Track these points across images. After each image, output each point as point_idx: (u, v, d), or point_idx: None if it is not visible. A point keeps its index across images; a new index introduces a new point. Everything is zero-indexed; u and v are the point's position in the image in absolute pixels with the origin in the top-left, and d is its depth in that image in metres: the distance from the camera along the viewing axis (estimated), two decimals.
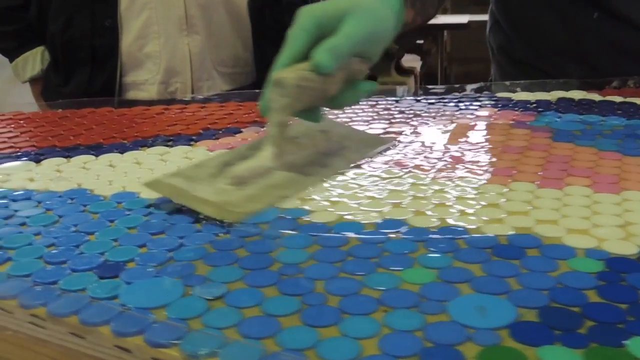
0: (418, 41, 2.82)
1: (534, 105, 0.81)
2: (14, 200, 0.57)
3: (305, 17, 0.58)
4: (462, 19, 2.69)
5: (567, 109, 0.79)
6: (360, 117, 0.77)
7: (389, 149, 0.66)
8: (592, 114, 0.76)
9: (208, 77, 1.21)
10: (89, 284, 0.42)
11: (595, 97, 0.83)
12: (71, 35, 1.16)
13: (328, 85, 0.58)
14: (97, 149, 0.69)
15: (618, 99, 0.82)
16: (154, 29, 1.17)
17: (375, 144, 0.67)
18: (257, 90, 0.92)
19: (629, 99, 0.82)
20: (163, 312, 0.39)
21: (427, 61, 2.91)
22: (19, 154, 0.69)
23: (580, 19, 0.93)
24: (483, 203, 0.52)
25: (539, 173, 0.58)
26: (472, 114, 0.78)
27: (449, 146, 0.66)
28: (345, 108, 0.81)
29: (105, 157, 0.67)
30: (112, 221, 0.52)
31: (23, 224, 0.52)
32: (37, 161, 0.67)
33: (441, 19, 2.81)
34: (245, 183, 0.55)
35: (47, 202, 0.56)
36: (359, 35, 0.57)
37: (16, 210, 0.54)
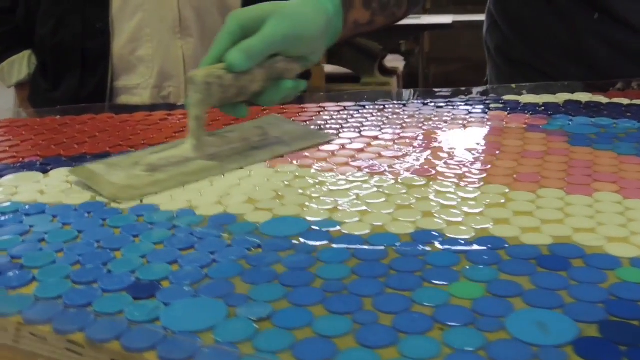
0: (401, 42, 2.82)
1: (542, 108, 0.80)
2: (28, 215, 0.54)
3: (230, 20, 0.62)
4: (446, 19, 2.70)
5: (576, 111, 0.78)
6: (371, 122, 0.76)
7: (326, 143, 0.69)
8: (602, 116, 0.76)
9: None
10: (124, 305, 0.40)
11: (602, 99, 0.83)
12: (61, 38, 1.13)
13: (246, 82, 0.62)
14: (105, 158, 0.67)
15: (625, 101, 0.82)
16: (147, 32, 1.14)
17: (312, 138, 0.70)
18: None
19: (635, 101, 0.82)
20: (210, 335, 0.37)
21: (410, 62, 2.91)
22: (24, 164, 0.66)
23: (580, 19, 0.93)
24: (514, 211, 0.51)
25: (565, 179, 0.57)
26: (483, 117, 0.77)
27: (467, 151, 0.65)
28: (353, 113, 0.80)
29: None
30: (135, 236, 0.50)
31: (42, 240, 0.50)
32: (44, 172, 0.64)
33: (424, 19, 2.82)
34: (158, 170, 0.59)
35: (63, 216, 0.53)
36: (275, 36, 0.62)
37: (32, 226, 0.52)
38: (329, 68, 2.46)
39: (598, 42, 0.93)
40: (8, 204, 0.56)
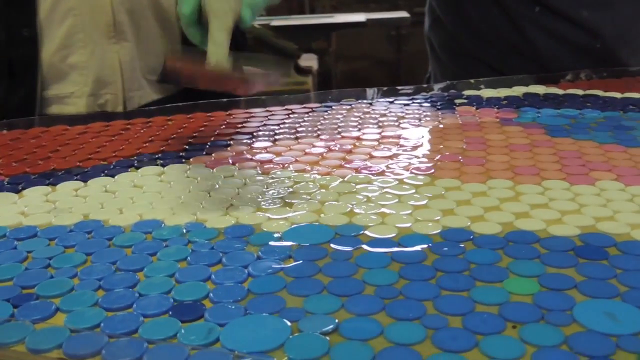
0: (313, 41, 2.83)
1: (506, 101, 0.82)
2: (19, 239, 0.49)
3: None
4: (359, 17, 2.73)
5: (539, 104, 0.80)
6: (346, 122, 0.75)
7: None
8: (565, 107, 0.78)
9: (139, 87, 1.13)
10: (174, 330, 0.37)
11: (557, 91, 0.86)
12: None
13: None
14: (81, 174, 0.62)
15: (579, 91, 0.85)
16: (80, 37, 1.08)
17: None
18: (215, 100, 0.88)
19: (589, 91, 0.85)
20: (281, 353, 0.35)
21: (324, 60, 2.92)
22: None
23: (522, 12, 0.95)
24: (530, 204, 0.52)
25: (563, 170, 0.59)
26: (454, 113, 0.78)
27: (457, 147, 0.65)
28: (324, 114, 0.79)
29: (96, 182, 0.60)
30: (152, 255, 0.46)
31: (48, 267, 0.45)
32: (16, 192, 0.59)
33: (337, 18, 2.83)
34: None
35: (62, 239, 0.49)
36: None
37: (29, 251, 0.48)
38: (245, 69, 2.42)
39: (540, 35, 0.96)
40: None
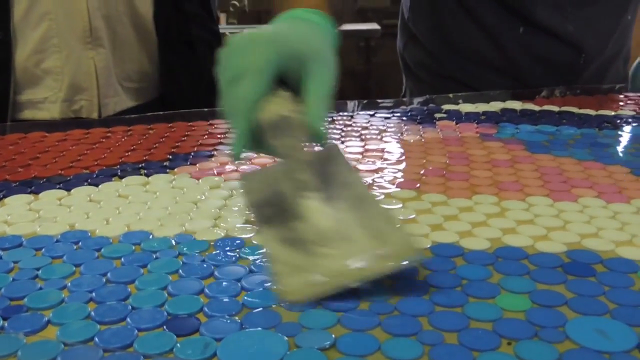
0: None
1: (484, 117, 0.84)
2: (4, 249, 0.48)
3: (268, 48, 0.50)
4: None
5: (516, 119, 0.82)
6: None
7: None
8: (542, 124, 0.80)
9: (114, 94, 1.12)
10: (170, 344, 0.37)
11: (533, 107, 0.88)
12: None
13: None
14: (63, 182, 0.61)
15: (555, 108, 0.87)
16: (55, 42, 1.06)
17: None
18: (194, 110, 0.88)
19: (564, 108, 0.87)
20: None
21: None
22: None
23: (506, 34, 0.96)
24: (516, 220, 0.53)
25: (545, 186, 0.60)
26: (434, 127, 0.79)
27: (440, 162, 0.66)
28: None
29: (80, 191, 0.59)
30: (143, 267, 0.46)
31: (35, 277, 0.45)
32: None
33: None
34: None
35: (49, 249, 0.48)
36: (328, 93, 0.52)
37: (16, 261, 0.47)
38: None
39: (522, 55, 0.97)
40: None
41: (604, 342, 0.37)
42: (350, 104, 0.88)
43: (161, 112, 0.87)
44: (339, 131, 0.77)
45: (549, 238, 0.50)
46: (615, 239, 0.50)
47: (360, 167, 0.65)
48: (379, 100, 0.88)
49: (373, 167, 0.65)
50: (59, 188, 0.60)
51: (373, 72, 3.17)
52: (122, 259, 0.47)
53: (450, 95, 0.91)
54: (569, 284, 0.43)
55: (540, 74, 0.97)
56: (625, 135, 0.76)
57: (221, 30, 2.64)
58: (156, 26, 1.16)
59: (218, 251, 0.48)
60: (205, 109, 0.86)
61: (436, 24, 1.02)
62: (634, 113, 0.84)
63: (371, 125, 0.80)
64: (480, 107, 0.87)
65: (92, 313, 0.40)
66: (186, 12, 1.20)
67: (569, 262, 0.46)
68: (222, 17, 2.78)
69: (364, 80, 3.15)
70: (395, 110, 0.86)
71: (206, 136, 0.76)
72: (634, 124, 0.79)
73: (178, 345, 0.37)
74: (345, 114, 0.84)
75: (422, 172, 0.64)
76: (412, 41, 1.07)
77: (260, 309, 0.41)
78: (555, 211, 0.55)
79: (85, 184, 0.61)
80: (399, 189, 0.59)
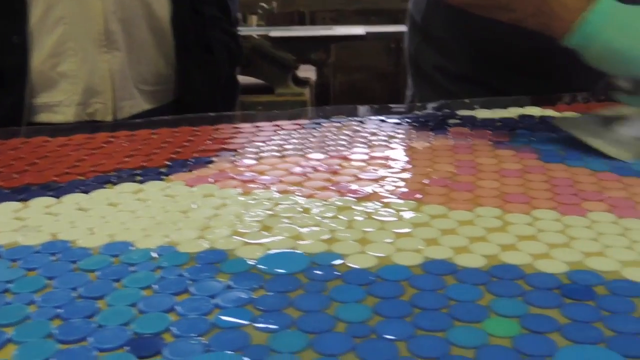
0: (312, 53, 2.81)
1: (500, 123, 0.80)
2: None
3: None
4: (358, 30, 2.71)
5: (534, 126, 0.78)
6: (334, 141, 0.73)
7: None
8: (559, 131, 0.76)
9: (130, 97, 1.12)
10: None
11: (553, 113, 0.84)
12: None
13: None
14: (55, 189, 0.60)
15: (576, 115, 0.83)
16: (70, 46, 1.06)
17: None
18: (204, 114, 0.86)
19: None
20: None
21: (322, 72, 2.91)
22: None
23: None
24: (517, 235, 0.50)
25: (554, 199, 0.56)
26: (446, 134, 0.76)
27: (446, 171, 0.63)
28: (312, 131, 0.77)
29: (70, 199, 0.58)
30: (117, 281, 0.44)
31: (6, 291, 0.43)
32: None
33: (336, 30, 2.82)
34: None
35: (26, 260, 0.47)
36: None
37: None
38: (242, 79, 2.41)
39: (557, 52, 0.92)
40: None
41: None
42: (362, 109, 0.86)
43: (167, 117, 0.86)
44: (346, 137, 0.75)
45: (550, 256, 0.47)
46: (622, 258, 0.46)
47: (363, 175, 0.63)
48: (392, 105, 0.86)
49: (376, 175, 0.63)
50: (49, 195, 0.59)
51: (403, 74, 3.14)
52: (98, 272, 0.45)
53: (467, 100, 0.87)
54: (564, 308, 0.40)
55: (573, 74, 0.91)
56: None
57: (249, 32, 2.65)
58: (173, 29, 1.15)
59: (198, 264, 0.46)
60: (212, 114, 0.85)
61: (460, 22, 0.96)
62: None
63: (381, 131, 0.77)
64: (497, 114, 0.84)
65: (55, 331, 0.38)
66: (204, 14, 1.19)
67: (568, 284, 0.43)
68: (253, 19, 2.77)
69: (393, 82, 3.11)
70: (407, 115, 0.83)
71: (209, 141, 0.74)
72: None
73: None
74: (355, 119, 0.82)
75: (425, 181, 0.61)
76: (426, 42, 1.03)
77: (230, 329, 0.38)
78: (561, 226, 0.51)
79: (77, 190, 0.60)
80: (399, 200, 0.57)
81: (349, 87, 3.58)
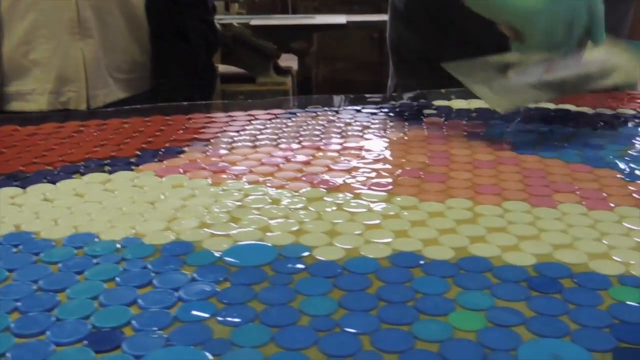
0: (293, 42, 2.79)
1: (475, 114, 0.80)
2: None
3: None
4: (340, 19, 2.69)
5: (508, 118, 0.78)
6: (308, 131, 0.72)
7: None
8: (534, 122, 0.76)
9: (104, 85, 1.10)
10: None
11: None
12: None
13: None
14: (21, 179, 0.59)
15: (551, 105, 0.83)
16: (42, 33, 1.04)
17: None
18: (177, 103, 0.85)
19: (560, 106, 0.83)
20: None
21: (304, 61, 2.89)
22: None
23: None
24: (487, 227, 0.49)
25: (525, 190, 0.56)
26: (421, 125, 0.75)
27: (419, 162, 0.63)
28: (287, 121, 0.76)
29: (36, 189, 0.57)
30: (79, 273, 0.43)
31: None
32: None
33: (318, 19, 2.80)
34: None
35: None
36: None
37: None
38: (223, 68, 2.40)
39: None
40: None
41: None
42: (337, 99, 0.85)
43: (139, 106, 0.85)
44: (320, 127, 0.74)
45: (519, 248, 0.46)
46: (591, 251, 0.46)
47: (334, 166, 0.62)
48: (367, 95, 0.85)
49: (348, 166, 0.62)
50: (15, 186, 0.58)
51: (386, 63, 3.13)
52: (60, 265, 0.44)
53: (443, 90, 0.87)
54: (531, 301, 0.40)
55: None
56: (621, 136, 0.71)
57: (230, 21, 2.62)
58: (148, 16, 1.14)
59: (163, 256, 0.45)
60: (185, 103, 0.83)
61: (439, 5, 0.96)
62: (634, 112, 0.80)
63: (355, 121, 0.76)
64: (473, 104, 0.83)
65: (12, 325, 0.38)
66: (179, 1, 1.17)
67: (536, 276, 0.43)
68: (234, 7, 2.75)
69: (377, 72, 3.11)
70: (383, 105, 0.83)
71: (181, 131, 0.73)
72: (631, 124, 0.75)
73: None
74: (331, 109, 0.81)
75: (398, 172, 0.60)
76: (410, 31, 1.02)
77: (192, 322, 0.38)
78: (531, 218, 0.51)
79: (44, 181, 0.59)
80: (370, 191, 0.56)
81: (332, 76, 3.57)
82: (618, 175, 0.59)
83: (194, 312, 0.39)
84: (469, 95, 0.86)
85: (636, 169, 0.61)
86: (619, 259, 0.45)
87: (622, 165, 0.62)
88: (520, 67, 0.71)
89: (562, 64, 0.70)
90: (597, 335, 0.37)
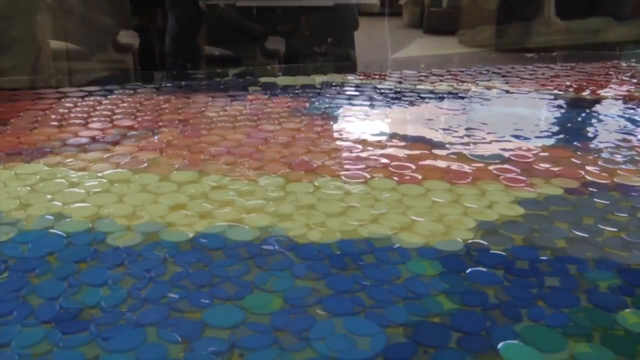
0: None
1: (300, 90, 0.79)
2: None
3: None
4: (327, 1, 2.60)
5: (333, 94, 0.78)
6: (123, 109, 0.68)
7: None
8: (356, 98, 0.77)
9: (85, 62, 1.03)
10: (51, 342, 0.30)
11: (355, 80, 0.84)
12: None
13: None
14: None
15: (375, 82, 0.84)
16: (22, 9, 0.96)
17: None
18: None
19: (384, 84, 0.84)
20: None
21: (291, 43, 2.75)
22: None
23: None
24: (297, 205, 0.48)
25: (345, 167, 0.56)
26: (243, 102, 0.73)
27: (237, 139, 0.61)
28: (76, 98, 0.72)
29: None
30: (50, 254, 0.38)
31: None
32: None
33: (304, 1, 2.68)
34: None
35: None
36: None
37: None
38: (209, 50, 2.23)
39: None
40: None
41: (348, 350, 0.33)
42: (158, 75, 0.81)
43: None
44: (136, 104, 0.70)
45: (324, 225, 0.46)
46: (394, 224, 0.46)
47: (146, 144, 0.59)
48: (191, 72, 0.82)
49: (162, 145, 0.59)
50: None
51: None
52: (29, 245, 0.40)
53: (269, 67, 0.86)
54: (329, 279, 0.39)
55: None
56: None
57: (215, 1, 2.44)
58: None
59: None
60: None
61: None
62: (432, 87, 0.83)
63: (176, 99, 0.73)
64: (299, 80, 0.83)
65: None
66: None
67: (338, 254, 0.42)
68: None
69: None
70: (208, 82, 0.80)
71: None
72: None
73: (60, 344, 0.30)
74: (149, 85, 0.77)
75: (211, 150, 0.58)
76: None
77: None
78: (341, 194, 0.51)
79: None
80: (178, 171, 0.54)
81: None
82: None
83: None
84: (295, 72, 0.86)
85: None
86: (420, 232, 0.45)
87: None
88: None
89: None
90: (390, 311, 0.36)
